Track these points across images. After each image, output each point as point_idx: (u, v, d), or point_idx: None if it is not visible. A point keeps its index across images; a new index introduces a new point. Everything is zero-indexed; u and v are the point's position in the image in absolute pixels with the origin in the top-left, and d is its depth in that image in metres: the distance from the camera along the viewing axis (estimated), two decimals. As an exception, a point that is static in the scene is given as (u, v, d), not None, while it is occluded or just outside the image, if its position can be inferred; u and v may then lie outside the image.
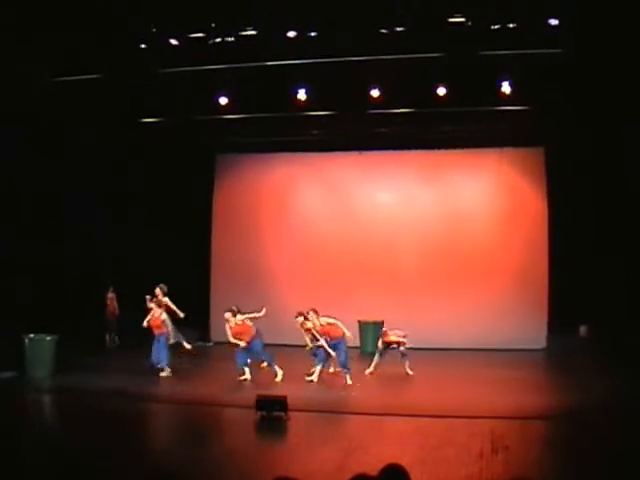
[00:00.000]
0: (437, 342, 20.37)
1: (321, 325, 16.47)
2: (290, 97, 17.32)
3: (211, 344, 22.56)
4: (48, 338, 16.52)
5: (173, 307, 17.87)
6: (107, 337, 21.45)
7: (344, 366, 16.34)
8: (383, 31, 14.66)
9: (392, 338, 17.42)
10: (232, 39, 15.14)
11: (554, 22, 13.91)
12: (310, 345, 16.87)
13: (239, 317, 16.83)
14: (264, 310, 17.02)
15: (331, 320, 16.62)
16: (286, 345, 19.33)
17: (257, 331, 16.91)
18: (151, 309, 17.47)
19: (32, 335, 16.40)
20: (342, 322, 17.15)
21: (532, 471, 8.65)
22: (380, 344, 17.55)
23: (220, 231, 23.56)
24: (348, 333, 16.66)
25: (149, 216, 21.04)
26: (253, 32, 15.01)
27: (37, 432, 11.51)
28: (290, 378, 16.70)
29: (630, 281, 17.88)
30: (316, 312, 16.62)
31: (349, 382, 15.95)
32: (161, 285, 18.03)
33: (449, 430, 11.68)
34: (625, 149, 17.95)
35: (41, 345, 16.47)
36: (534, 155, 21.66)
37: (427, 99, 17.14)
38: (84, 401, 13.86)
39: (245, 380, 16.05)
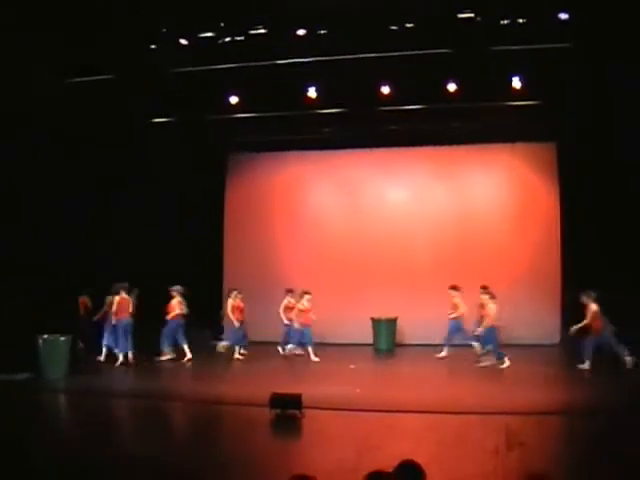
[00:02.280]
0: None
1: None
2: (301, 95, 17.35)
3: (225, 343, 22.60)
4: (62, 338, 16.57)
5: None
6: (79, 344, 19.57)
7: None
8: (393, 28, 14.66)
9: None
10: (242, 38, 15.17)
11: (564, 16, 13.89)
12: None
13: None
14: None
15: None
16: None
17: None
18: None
19: (46, 336, 16.44)
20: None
21: (548, 467, 8.62)
22: None
23: (232, 230, 23.59)
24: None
25: (161, 216, 21.06)
26: (263, 31, 15.04)
27: (53, 434, 11.56)
28: (304, 375, 16.76)
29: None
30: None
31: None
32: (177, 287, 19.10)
33: (464, 426, 11.67)
34: (636, 144, 17.85)
35: (55, 345, 16.51)
36: (545, 150, 21.61)
37: (438, 95, 17.13)
38: (97, 402, 13.91)
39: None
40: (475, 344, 18.31)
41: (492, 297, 17.93)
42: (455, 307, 19.10)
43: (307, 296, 19.06)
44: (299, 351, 19.18)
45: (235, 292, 19.64)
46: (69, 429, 12.54)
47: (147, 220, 20.67)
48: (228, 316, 19.49)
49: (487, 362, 17.54)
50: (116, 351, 18.41)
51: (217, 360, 19.85)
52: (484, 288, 18.43)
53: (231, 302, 19.53)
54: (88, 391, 15.12)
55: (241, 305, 19.59)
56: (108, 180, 19.69)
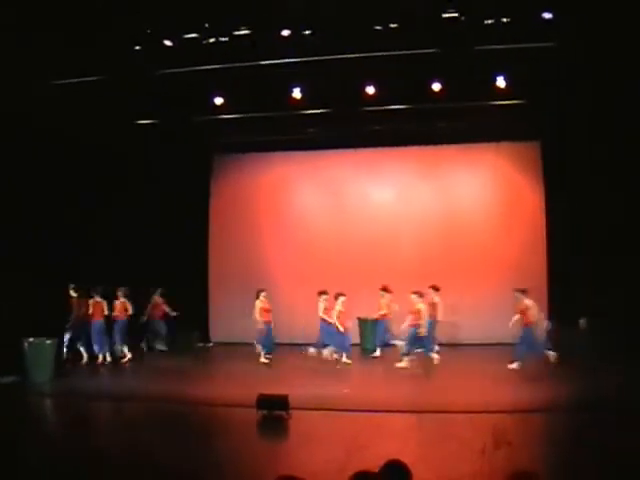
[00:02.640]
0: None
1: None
2: (285, 96, 17.33)
3: (211, 344, 22.62)
4: (48, 342, 16.52)
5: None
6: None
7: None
8: (377, 28, 14.66)
9: None
10: (226, 39, 15.14)
11: (548, 16, 13.92)
12: None
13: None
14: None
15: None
16: (283, 344, 19.40)
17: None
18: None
19: (32, 339, 16.37)
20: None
21: (535, 465, 8.64)
22: None
23: (217, 231, 23.54)
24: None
25: (146, 217, 21.00)
26: (247, 32, 15.01)
27: (39, 437, 11.53)
28: (290, 376, 16.75)
29: (629, 274, 17.87)
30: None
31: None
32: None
33: (450, 425, 11.71)
34: (621, 143, 17.94)
35: (41, 349, 16.45)
36: (530, 149, 21.66)
37: (422, 95, 17.15)
38: (84, 404, 13.87)
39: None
40: (399, 343, 18.55)
41: (421, 296, 18.13)
42: (383, 308, 19.50)
43: (342, 298, 18.55)
44: (335, 355, 18.50)
45: (263, 293, 19.14)
46: (55, 431, 12.52)
47: (131, 221, 20.62)
48: (256, 318, 18.88)
49: (404, 363, 17.71)
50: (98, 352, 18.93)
51: (204, 361, 19.86)
52: (434, 288, 18.84)
53: (259, 304, 19.00)
54: (74, 393, 15.07)
55: (267, 306, 19.09)
56: (91, 181, 19.58)
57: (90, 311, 18.86)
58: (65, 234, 18.42)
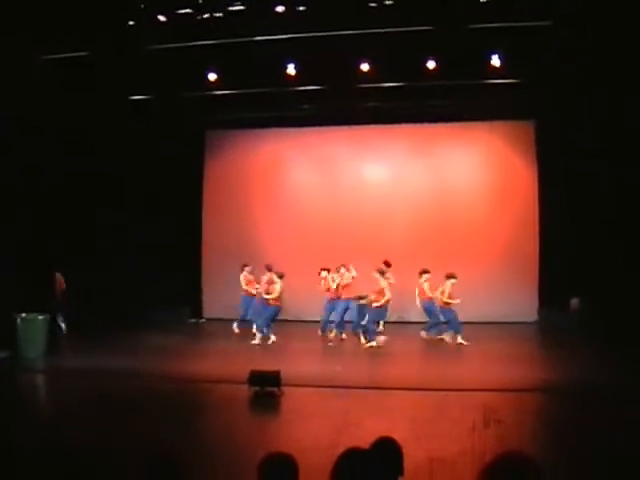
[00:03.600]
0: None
1: None
2: (279, 72, 17.26)
3: (204, 320, 22.66)
4: (40, 317, 16.47)
5: None
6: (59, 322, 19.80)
7: None
8: (372, 4, 14.59)
9: None
10: (220, 15, 15.05)
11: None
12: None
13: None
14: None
15: None
16: (276, 320, 19.40)
17: None
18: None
19: (24, 314, 16.33)
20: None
21: (525, 444, 8.69)
22: None
23: (210, 208, 23.50)
24: None
25: (138, 194, 20.94)
26: (241, 7, 14.92)
27: (29, 414, 11.53)
28: (283, 353, 16.79)
29: (620, 254, 17.90)
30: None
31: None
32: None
33: (441, 404, 11.75)
34: (615, 122, 17.92)
35: (33, 324, 16.40)
36: (524, 128, 21.64)
37: (417, 73, 17.11)
38: (76, 381, 13.86)
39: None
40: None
41: (383, 274, 18.12)
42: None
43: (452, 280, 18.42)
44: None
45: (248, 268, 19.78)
46: (41, 409, 12.55)
47: (124, 198, 20.56)
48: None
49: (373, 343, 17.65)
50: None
51: (196, 337, 19.90)
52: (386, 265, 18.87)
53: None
54: (66, 369, 15.07)
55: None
56: (83, 157, 19.43)
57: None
58: (55, 212, 18.29)
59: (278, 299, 18.18)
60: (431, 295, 18.26)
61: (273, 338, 17.93)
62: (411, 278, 19.70)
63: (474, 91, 18.50)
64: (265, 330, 18.00)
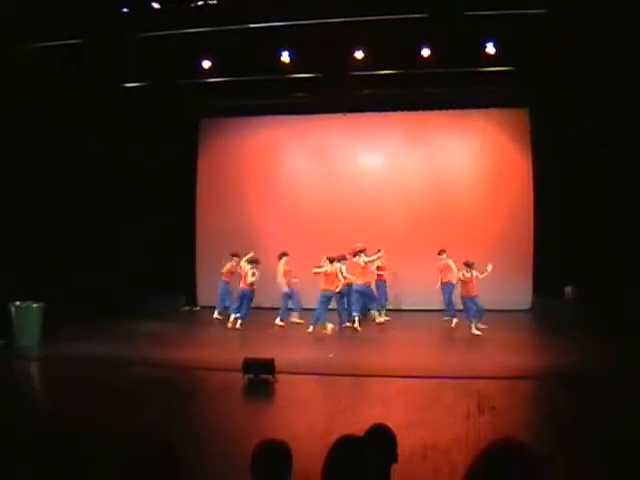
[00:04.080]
0: (423, 304, 20.52)
1: None
2: (274, 60, 17.21)
3: (198, 308, 22.70)
4: (35, 305, 16.45)
5: None
6: None
7: None
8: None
9: None
10: (215, 2, 15.00)
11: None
12: None
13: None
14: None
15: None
16: (273, 308, 19.42)
17: None
18: None
19: (19, 303, 16.32)
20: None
21: (519, 431, 8.73)
22: None
23: (204, 195, 23.48)
24: None
25: (132, 182, 20.88)
26: (235, -6, 14.88)
27: (25, 402, 11.55)
28: (277, 340, 16.81)
29: (614, 242, 17.93)
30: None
31: None
32: None
33: (435, 391, 11.78)
34: (610, 109, 17.91)
35: (28, 313, 16.39)
36: (519, 116, 21.64)
37: (411, 60, 17.05)
38: (71, 369, 13.87)
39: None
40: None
41: (339, 261, 18.40)
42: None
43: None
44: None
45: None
46: (35, 396, 12.56)
47: (117, 186, 20.50)
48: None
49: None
50: None
51: (190, 325, 19.93)
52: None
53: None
54: (61, 357, 15.07)
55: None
56: (75, 146, 19.37)
57: None
58: (50, 199, 18.25)
59: (251, 284, 18.63)
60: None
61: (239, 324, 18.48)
62: (406, 265, 19.76)
63: (469, 79, 18.46)
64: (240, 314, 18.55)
